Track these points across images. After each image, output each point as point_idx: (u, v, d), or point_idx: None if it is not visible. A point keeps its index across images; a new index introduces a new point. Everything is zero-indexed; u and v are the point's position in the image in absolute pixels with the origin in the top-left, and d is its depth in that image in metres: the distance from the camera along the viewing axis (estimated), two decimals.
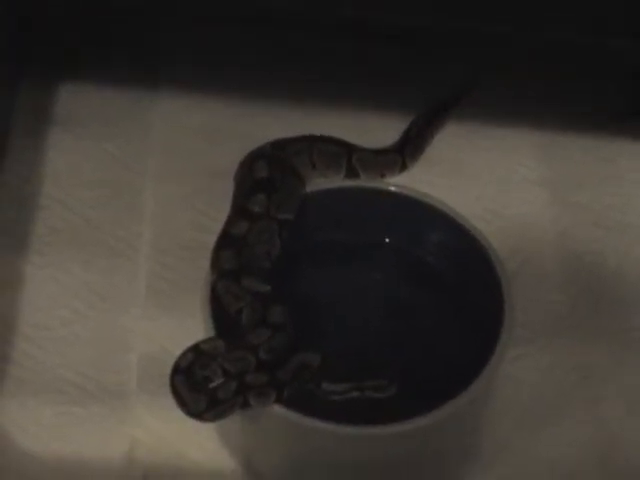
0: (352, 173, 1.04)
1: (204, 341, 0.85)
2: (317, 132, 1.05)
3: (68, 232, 1.02)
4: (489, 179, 1.09)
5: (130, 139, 1.09)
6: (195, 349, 0.85)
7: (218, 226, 0.95)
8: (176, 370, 0.84)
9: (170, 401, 0.84)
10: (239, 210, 0.94)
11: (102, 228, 1.03)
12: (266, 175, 0.96)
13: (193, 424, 0.84)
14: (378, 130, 1.09)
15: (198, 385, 0.84)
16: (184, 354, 0.85)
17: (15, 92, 1.11)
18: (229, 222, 0.93)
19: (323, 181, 1.01)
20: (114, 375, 0.94)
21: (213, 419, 0.83)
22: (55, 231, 1.02)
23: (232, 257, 0.90)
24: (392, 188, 0.97)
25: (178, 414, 0.84)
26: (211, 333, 0.86)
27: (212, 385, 0.84)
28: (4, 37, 1.09)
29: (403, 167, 1.07)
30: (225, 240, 0.92)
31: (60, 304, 0.98)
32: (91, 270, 1.00)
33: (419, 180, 1.06)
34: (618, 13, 0.96)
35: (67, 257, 1.00)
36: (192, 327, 0.88)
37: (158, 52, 1.15)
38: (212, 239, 0.93)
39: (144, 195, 1.05)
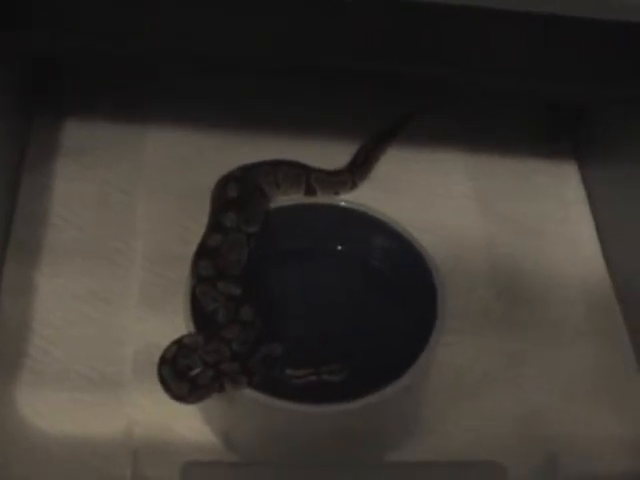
0: (310, 191, 1.04)
1: (186, 336, 0.85)
2: (281, 157, 1.05)
3: (73, 246, 1.01)
4: (427, 194, 1.09)
5: (125, 167, 1.08)
6: (178, 343, 0.85)
7: (199, 238, 0.94)
8: (162, 361, 0.84)
9: (160, 387, 0.84)
10: (214, 225, 0.94)
11: (102, 242, 1.02)
12: (236, 195, 0.96)
13: (180, 405, 0.84)
14: (332, 154, 1.09)
15: (181, 373, 0.84)
16: (169, 347, 0.85)
17: (29, 128, 1.10)
18: (205, 235, 0.93)
19: (285, 198, 1.00)
20: (113, 366, 0.93)
21: (194, 402, 0.84)
22: (62, 244, 1.01)
23: (208, 265, 0.90)
24: (343, 203, 0.97)
25: (167, 397, 0.84)
26: (192, 329, 0.86)
27: (193, 373, 0.84)
28: (20, 84, 1.09)
29: (353, 185, 1.07)
30: (202, 251, 0.92)
31: (67, 307, 0.97)
32: (93, 278, 0.99)
33: (367, 196, 1.05)
34: (530, 60, 0.96)
35: (73, 267, 1.00)
36: (177, 325, 0.88)
37: (149, 93, 1.15)
38: (194, 248, 0.93)
39: (137, 214, 1.05)
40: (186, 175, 1.08)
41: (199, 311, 0.87)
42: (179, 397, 0.83)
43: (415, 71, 0.99)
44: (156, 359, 0.85)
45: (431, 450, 0.89)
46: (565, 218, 1.09)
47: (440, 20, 0.93)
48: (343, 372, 0.84)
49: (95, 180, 1.07)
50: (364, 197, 1.05)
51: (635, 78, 0.95)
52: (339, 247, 0.97)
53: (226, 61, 1.01)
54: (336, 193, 1.06)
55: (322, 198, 1.02)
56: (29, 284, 0.98)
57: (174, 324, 0.90)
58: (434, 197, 1.09)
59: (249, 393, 0.82)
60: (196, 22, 0.96)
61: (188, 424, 0.89)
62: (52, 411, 0.90)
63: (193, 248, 0.93)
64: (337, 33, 0.95)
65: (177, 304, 0.89)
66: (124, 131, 1.11)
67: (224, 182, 0.99)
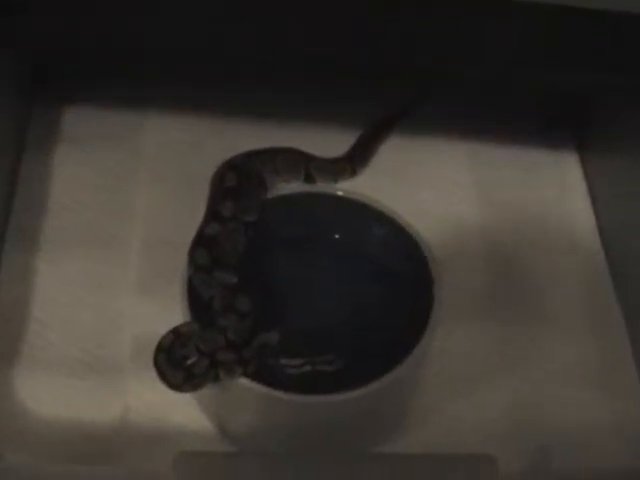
0: (309, 179, 1.03)
1: (182, 324, 0.85)
2: (281, 144, 1.04)
3: (71, 231, 1.01)
4: (425, 183, 1.08)
5: (124, 152, 1.08)
6: (175, 331, 0.84)
7: (196, 225, 0.93)
8: (158, 349, 0.83)
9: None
10: (212, 214, 0.93)
11: (100, 227, 1.02)
12: (235, 184, 0.95)
13: (176, 393, 0.83)
14: (332, 142, 1.08)
15: (177, 362, 0.83)
16: (165, 335, 0.84)
17: (29, 115, 1.10)
18: (203, 224, 0.92)
19: (284, 186, 0.99)
20: (110, 351, 0.93)
21: (189, 390, 0.83)
22: (60, 231, 1.01)
23: (205, 254, 0.89)
24: (340, 192, 0.95)
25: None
26: (188, 318, 0.85)
27: (188, 362, 0.83)
28: (22, 71, 1.09)
29: (353, 173, 1.07)
30: (200, 239, 0.91)
31: (65, 292, 0.97)
32: (91, 264, 0.99)
33: (366, 184, 1.05)
34: (530, 49, 0.96)
35: (70, 253, 0.99)
36: (174, 311, 0.87)
37: (148, 79, 1.13)
38: (192, 236, 0.92)
39: (135, 199, 1.04)
40: (185, 162, 1.07)
41: (196, 299, 0.86)
42: (174, 386, 0.82)
43: (416, 62, 0.98)
44: (153, 345, 0.84)
45: (425, 441, 0.89)
46: (565, 207, 1.08)
47: (439, 11, 0.92)
48: (338, 362, 0.83)
49: (94, 166, 1.07)
50: (363, 185, 1.04)
51: (634, 68, 0.94)
52: (336, 236, 0.95)
53: (228, 56, 1.01)
54: (335, 181, 1.05)
55: (320, 187, 1.01)
56: (28, 270, 0.98)
57: (171, 310, 0.89)
58: (434, 185, 1.08)
59: (243, 382, 0.81)
60: (197, 18, 0.96)
61: (184, 412, 0.89)
62: (48, 396, 0.90)
63: (191, 235, 0.92)
64: (338, 25, 0.95)
65: (175, 291, 0.88)
66: (124, 117, 1.11)
67: (223, 170, 0.97)
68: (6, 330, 0.94)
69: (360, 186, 1.03)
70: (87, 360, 0.93)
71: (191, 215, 0.96)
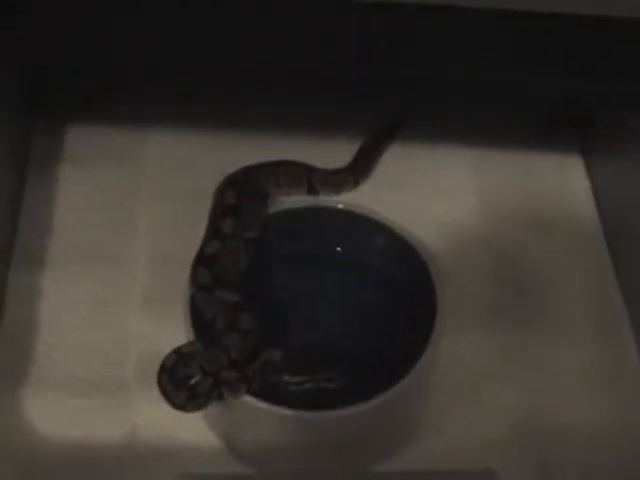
0: (312, 190, 1.03)
1: (185, 344, 0.85)
2: (282, 157, 1.04)
3: (76, 250, 1.02)
4: (429, 191, 1.08)
5: (127, 170, 1.08)
6: (178, 351, 0.85)
7: (200, 241, 0.94)
8: (162, 369, 0.84)
9: None
10: (212, 231, 0.93)
11: (104, 246, 1.02)
12: (235, 200, 0.95)
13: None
14: (334, 153, 1.08)
15: (180, 382, 0.84)
16: (169, 356, 0.85)
17: (31, 133, 1.10)
18: (204, 242, 0.93)
19: (286, 199, 0.99)
20: (117, 371, 0.93)
21: (194, 410, 0.83)
22: (65, 250, 1.02)
23: (207, 272, 0.89)
24: (340, 205, 0.96)
25: None
26: (191, 337, 0.85)
27: (192, 382, 0.84)
28: (23, 91, 1.10)
29: (355, 184, 1.06)
30: (201, 258, 0.91)
31: (71, 312, 0.97)
32: (96, 283, 0.99)
33: (369, 195, 1.05)
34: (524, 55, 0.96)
35: (76, 271, 1.00)
36: (180, 329, 0.87)
37: (149, 97, 1.14)
38: (196, 252, 0.92)
39: (139, 217, 1.05)
40: (189, 178, 1.07)
41: (198, 319, 0.87)
42: (178, 406, 0.83)
43: (414, 71, 0.99)
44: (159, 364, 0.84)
45: (430, 453, 0.88)
46: (570, 212, 1.07)
47: (439, 21, 0.92)
48: (340, 380, 0.83)
49: (97, 185, 1.07)
50: (366, 195, 1.04)
51: (628, 76, 0.94)
52: (338, 248, 0.96)
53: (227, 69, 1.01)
54: (338, 192, 1.05)
55: (320, 200, 1.00)
56: (34, 289, 0.99)
57: (177, 328, 0.89)
58: (437, 194, 1.08)
59: (248, 400, 0.81)
60: (197, 32, 0.96)
61: (192, 429, 0.89)
62: (56, 416, 0.90)
63: (195, 251, 0.92)
64: (335, 39, 0.95)
65: (179, 308, 0.88)
66: (125, 135, 1.11)
67: (223, 186, 0.98)
68: (13, 351, 0.94)
69: (363, 196, 1.04)
70: (94, 380, 0.93)
71: (195, 231, 0.96)
